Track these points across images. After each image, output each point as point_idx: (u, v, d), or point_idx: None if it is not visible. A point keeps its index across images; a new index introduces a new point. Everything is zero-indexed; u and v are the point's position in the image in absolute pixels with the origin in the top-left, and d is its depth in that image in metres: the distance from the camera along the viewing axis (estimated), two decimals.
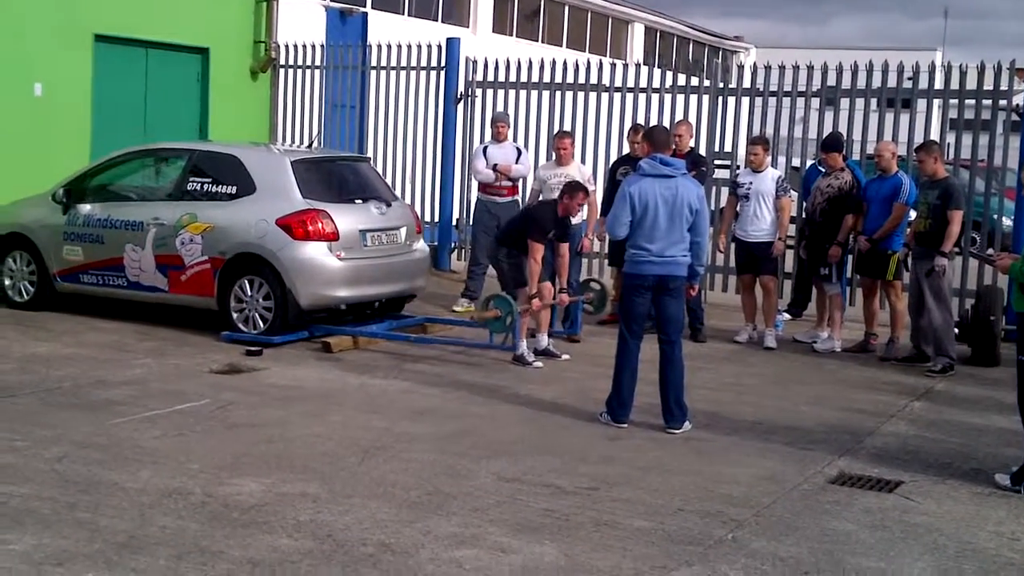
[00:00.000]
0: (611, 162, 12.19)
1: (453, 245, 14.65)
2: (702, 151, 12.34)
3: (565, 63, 14.00)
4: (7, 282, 10.99)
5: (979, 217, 12.14)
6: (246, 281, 9.83)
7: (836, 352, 10.44)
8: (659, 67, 13.68)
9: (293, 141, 15.63)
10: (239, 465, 6.31)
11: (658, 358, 7.59)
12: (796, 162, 13.52)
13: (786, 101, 12.48)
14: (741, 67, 13.49)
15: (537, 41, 26.35)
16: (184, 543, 5.12)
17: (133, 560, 4.90)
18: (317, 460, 6.48)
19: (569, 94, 13.80)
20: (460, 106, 14.50)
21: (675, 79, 13.46)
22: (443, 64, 14.56)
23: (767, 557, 5.28)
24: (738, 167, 12.15)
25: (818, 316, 10.99)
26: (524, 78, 14.06)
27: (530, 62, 14.08)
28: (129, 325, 10.29)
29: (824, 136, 11.34)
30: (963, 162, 13.75)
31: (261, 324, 9.78)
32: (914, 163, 10.66)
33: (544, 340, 9.78)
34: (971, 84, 11.61)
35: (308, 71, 15.71)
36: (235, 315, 9.86)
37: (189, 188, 10.29)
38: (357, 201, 10.37)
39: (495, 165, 11.88)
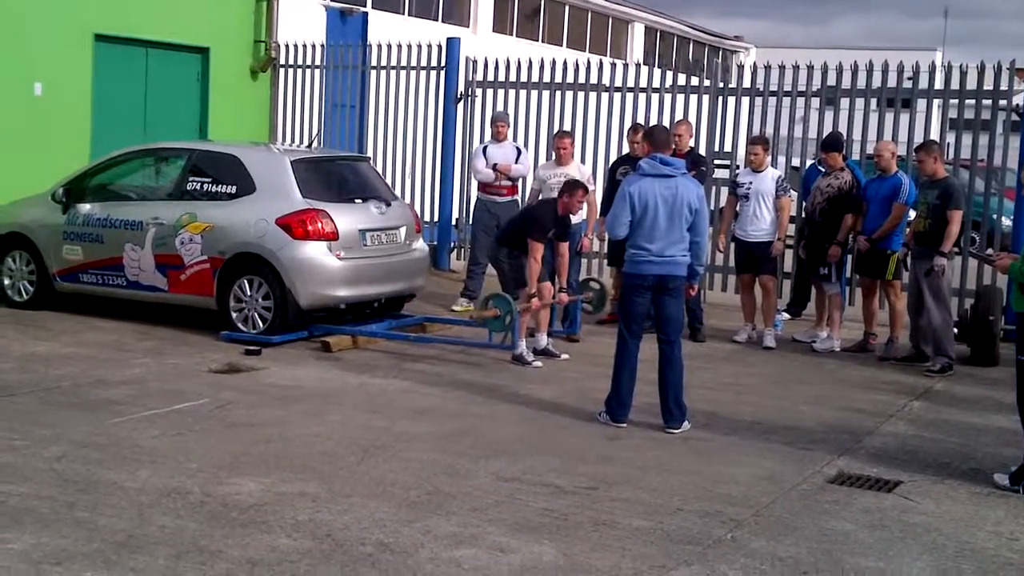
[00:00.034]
0: (611, 162, 12.19)
1: (453, 244, 14.65)
2: (702, 151, 12.34)
3: (565, 63, 14.00)
4: (7, 281, 10.99)
5: (979, 217, 12.14)
6: (245, 281, 9.82)
7: (835, 352, 10.44)
8: (659, 67, 13.68)
9: (293, 141, 15.64)
10: (238, 464, 6.31)
11: (657, 358, 7.59)
12: (796, 162, 13.52)
13: (786, 101, 12.48)
14: (741, 67, 13.49)
15: (537, 41, 26.36)
16: (183, 542, 5.12)
17: (132, 559, 4.91)
18: (316, 459, 6.48)
19: (569, 94, 13.80)
20: (460, 106, 14.51)
21: (675, 79, 13.46)
22: (443, 64, 14.57)
23: (766, 557, 5.28)
24: (738, 167, 12.16)
25: (817, 316, 10.99)
26: (524, 78, 14.06)
27: (530, 62, 14.08)
28: (128, 324, 10.29)
29: (824, 136, 11.35)
30: (963, 162, 13.75)
31: (260, 324, 9.78)
32: (914, 163, 10.66)
33: (543, 340, 9.78)
34: (971, 84, 11.61)
35: (308, 71, 15.71)
36: (234, 315, 9.86)
37: (189, 188, 10.29)
38: (357, 201, 10.37)
39: (495, 165, 11.88)
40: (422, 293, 11.23)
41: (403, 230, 10.57)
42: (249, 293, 9.82)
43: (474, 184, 12.72)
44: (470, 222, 13.03)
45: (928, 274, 9.63)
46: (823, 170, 10.80)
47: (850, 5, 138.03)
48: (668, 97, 13.14)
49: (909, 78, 12.07)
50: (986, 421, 8.14)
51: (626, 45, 30.74)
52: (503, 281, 9.75)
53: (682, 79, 13.43)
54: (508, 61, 14.20)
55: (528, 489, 6.10)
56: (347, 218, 9.98)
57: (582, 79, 13.74)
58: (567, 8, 28.06)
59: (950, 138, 11.76)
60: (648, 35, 31.82)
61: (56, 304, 10.79)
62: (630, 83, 13.41)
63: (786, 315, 11.56)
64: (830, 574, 5.14)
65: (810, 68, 12.43)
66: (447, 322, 11.00)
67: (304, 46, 15.77)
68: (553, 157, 11.62)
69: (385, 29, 17.86)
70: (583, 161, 12.67)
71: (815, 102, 12.38)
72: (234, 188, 10.05)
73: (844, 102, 12.26)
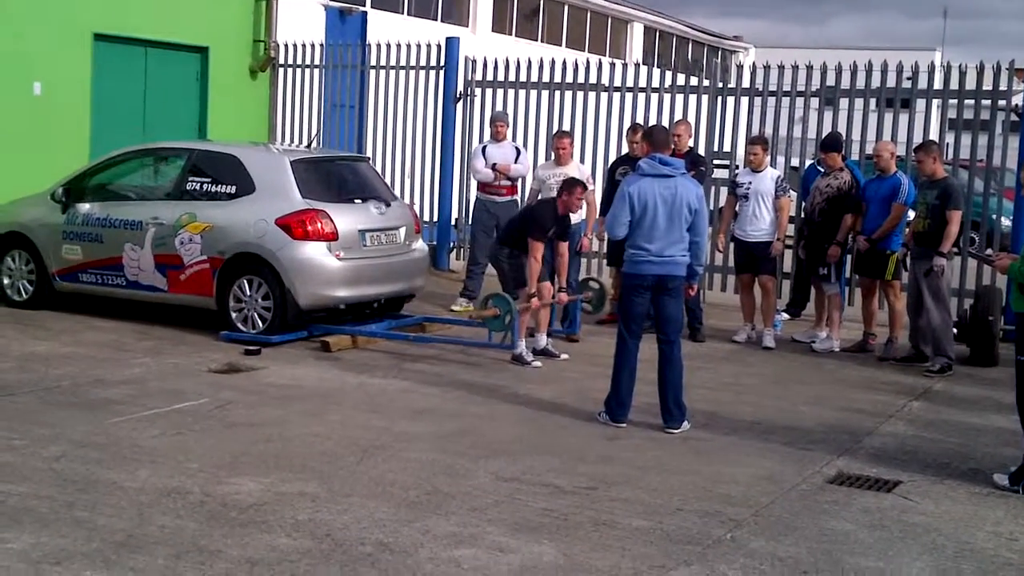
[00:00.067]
0: (610, 162, 12.19)
1: (452, 244, 14.65)
2: (701, 151, 12.33)
3: (564, 63, 14.00)
4: (6, 281, 10.98)
5: (978, 217, 12.15)
6: (245, 281, 9.82)
7: (835, 352, 10.44)
8: (658, 67, 13.68)
9: (292, 140, 15.64)
10: (237, 464, 6.31)
11: (657, 358, 7.59)
12: (795, 162, 13.53)
13: (785, 101, 12.48)
14: (740, 67, 13.49)
15: (536, 40, 26.37)
16: (182, 542, 5.11)
17: (131, 559, 4.90)
18: (316, 459, 6.48)
19: (568, 94, 13.80)
20: (459, 105, 14.50)
21: (674, 79, 13.45)
22: (442, 63, 14.56)
23: (765, 557, 5.28)
24: (737, 167, 12.17)
25: (817, 316, 11.00)
26: (523, 77, 14.06)
27: (529, 62, 14.08)
28: (128, 324, 10.29)
29: (823, 136, 11.35)
30: (962, 162, 13.76)
31: (260, 323, 9.78)
32: (913, 163, 10.66)
33: (543, 340, 9.78)
34: (970, 84, 11.61)
35: (307, 70, 15.71)
36: (234, 315, 9.85)
37: (188, 188, 10.29)
38: (356, 201, 10.37)
39: (494, 164, 11.88)
40: (421, 293, 11.23)
41: (403, 230, 10.57)
42: (249, 293, 9.81)
43: (473, 184, 12.72)
44: (469, 222, 13.03)
45: (927, 274, 9.63)
46: (822, 170, 10.80)
47: (849, 5, 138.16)
48: (667, 97, 13.14)
49: (908, 78, 12.07)
50: (985, 421, 8.14)
51: (625, 45, 30.76)
52: (503, 281, 9.75)
53: (681, 79, 13.43)
54: (507, 61, 14.20)
55: (528, 489, 6.10)
56: (347, 218, 9.98)
57: (581, 79, 13.74)
58: (566, 8, 28.07)
59: (949, 138, 11.77)
60: (647, 35, 31.83)
61: (55, 304, 10.79)
62: (629, 83, 13.41)
63: (785, 315, 11.56)
64: (830, 574, 5.14)
65: (809, 68, 12.43)
66: (446, 322, 11.01)
67: (303, 46, 15.76)
68: (552, 157, 11.62)
69: (384, 29, 17.86)
70: (582, 161, 12.67)
71: (814, 102, 12.37)
72: (234, 188, 10.05)
73: (843, 102, 12.26)
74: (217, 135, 15.02)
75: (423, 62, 14.66)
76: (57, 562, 4.84)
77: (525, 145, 13.24)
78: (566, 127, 13.08)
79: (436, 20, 22.46)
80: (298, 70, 15.77)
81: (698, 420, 7.66)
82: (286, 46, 15.92)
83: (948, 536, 5.68)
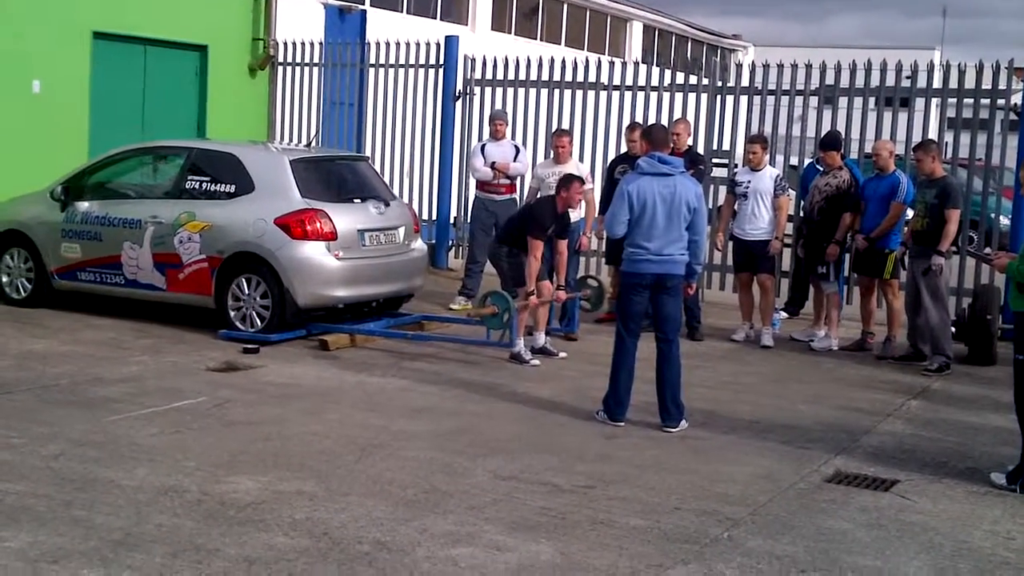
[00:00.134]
0: (609, 160, 12.19)
1: (451, 243, 14.65)
2: (700, 150, 12.33)
3: (564, 61, 14.00)
4: (4, 279, 10.98)
5: (977, 216, 12.14)
6: (243, 279, 9.82)
7: (833, 351, 10.44)
8: (657, 65, 13.67)
9: (291, 139, 15.64)
10: (236, 463, 6.32)
11: (655, 356, 7.59)
12: (794, 161, 13.53)
13: (784, 100, 12.49)
14: (739, 65, 13.50)
15: (536, 39, 26.38)
16: (180, 541, 5.12)
17: (129, 558, 4.91)
18: (314, 458, 6.48)
19: (567, 92, 13.80)
20: (458, 104, 14.51)
21: (673, 77, 13.45)
22: (442, 62, 14.57)
23: (763, 555, 5.28)
24: (736, 166, 12.17)
25: (815, 315, 11.00)
26: (522, 76, 14.06)
27: (528, 60, 14.09)
28: (126, 323, 10.29)
29: (822, 135, 11.35)
30: (961, 161, 13.76)
31: (258, 322, 9.77)
32: (912, 162, 10.66)
33: (541, 338, 9.78)
34: (969, 83, 11.62)
35: (307, 68, 15.71)
36: (232, 313, 9.85)
37: (187, 186, 10.28)
38: (356, 201, 10.36)
39: (493, 163, 11.88)
40: (420, 292, 11.22)
41: (402, 230, 10.56)
42: (247, 292, 9.81)
43: (472, 182, 12.72)
44: (468, 220, 13.03)
45: (926, 273, 9.63)
46: (821, 169, 10.80)
47: (848, 3, 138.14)
48: (666, 96, 13.14)
49: (907, 77, 12.07)
50: (983, 420, 8.14)
51: (624, 43, 30.76)
52: (502, 279, 9.75)
53: (680, 78, 13.43)
54: (506, 59, 14.20)
55: (525, 488, 6.10)
56: (346, 218, 9.98)
57: (580, 77, 13.74)
58: (565, 6, 28.07)
59: (948, 137, 11.77)
60: (646, 33, 31.83)
61: (54, 302, 10.79)
62: (628, 81, 13.41)
63: (784, 314, 11.56)
64: (827, 573, 5.14)
65: (808, 67, 12.42)
66: (445, 320, 11.01)
67: (302, 44, 15.77)
68: (551, 155, 11.62)
69: (384, 27, 17.86)
70: (581, 159, 12.67)
71: (813, 101, 12.38)
72: (233, 187, 10.04)
73: (842, 101, 12.26)
74: (216, 133, 15.02)
75: (422, 60, 14.66)
76: (55, 560, 4.85)
77: (524, 143, 13.25)
78: (565, 125, 13.08)
79: (435, 18, 22.46)
80: (297, 68, 15.78)
81: (696, 419, 7.66)
82: (285, 44, 15.93)
83: (945, 535, 5.69)
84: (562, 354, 9.77)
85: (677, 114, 12.69)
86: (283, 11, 16.34)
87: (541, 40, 26.45)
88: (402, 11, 21.41)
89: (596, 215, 11.12)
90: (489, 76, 14.31)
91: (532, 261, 9.37)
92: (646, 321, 7.69)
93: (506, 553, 5.16)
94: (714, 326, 11.13)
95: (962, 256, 11.39)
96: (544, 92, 13.93)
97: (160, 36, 14.82)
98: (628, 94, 13.35)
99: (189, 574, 4.78)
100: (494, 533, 5.39)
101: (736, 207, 10.80)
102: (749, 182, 10.59)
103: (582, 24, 28.88)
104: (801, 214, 11.36)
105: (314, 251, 9.70)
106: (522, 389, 8.52)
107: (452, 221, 14.66)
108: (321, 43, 15.84)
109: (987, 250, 11.36)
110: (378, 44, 15.09)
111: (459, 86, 14.51)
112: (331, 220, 9.79)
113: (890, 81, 11.98)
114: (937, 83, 12.17)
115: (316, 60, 15.64)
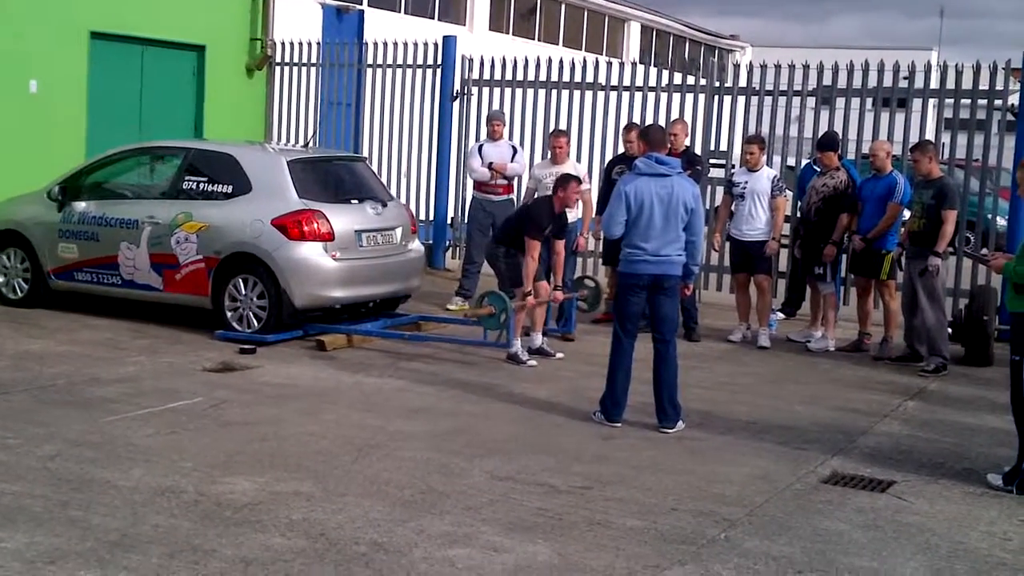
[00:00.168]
0: (606, 161, 12.19)
1: (448, 243, 14.66)
2: (697, 150, 12.35)
3: (561, 61, 14.01)
4: (1, 279, 10.97)
5: (973, 217, 12.16)
6: (240, 280, 9.81)
7: (830, 351, 10.45)
8: (655, 66, 13.69)
9: (289, 139, 15.63)
10: (232, 463, 6.31)
11: (652, 357, 7.59)
12: (791, 161, 13.53)
13: (782, 100, 12.49)
14: (737, 66, 13.51)
15: (533, 39, 26.38)
16: (176, 541, 5.11)
17: (125, 558, 4.90)
18: (311, 458, 6.48)
19: (565, 92, 13.81)
20: (456, 104, 14.51)
21: (671, 78, 13.46)
22: (439, 62, 14.57)
23: (760, 556, 5.29)
24: (733, 166, 12.17)
25: (812, 315, 11.00)
26: (520, 76, 14.07)
27: (526, 60, 14.09)
28: (123, 323, 10.28)
29: (819, 135, 11.35)
30: (958, 162, 13.76)
31: (255, 323, 9.77)
32: (909, 163, 10.66)
33: (538, 339, 9.78)
34: (967, 84, 11.64)
35: (304, 68, 15.72)
36: (229, 314, 9.84)
37: (185, 187, 10.27)
38: (353, 201, 10.36)
39: (490, 163, 11.88)
40: (417, 293, 11.22)
41: (399, 231, 10.56)
42: (244, 292, 9.80)
43: (470, 183, 12.72)
44: (465, 221, 13.03)
45: (923, 274, 9.63)
46: (818, 169, 10.81)
47: (846, 4, 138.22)
48: (664, 96, 13.15)
49: (905, 78, 12.08)
50: (980, 421, 8.15)
51: (622, 44, 30.77)
52: (500, 280, 9.75)
53: (678, 78, 13.44)
54: (504, 59, 14.20)
55: (522, 488, 6.10)
56: (343, 219, 9.97)
57: (578, 78, 13.75)
58: (563, 7, 28.07)
59: (945, 138, 11.77)
60: (644, 34, 31.84)
61: (50, 302, 10.78)
62: (626, 82, 13.42)
63: (781, 315, 11.57)
64: (823, 574, 5.15)
65: (806, 67, 12.43)
66: (442, 321, 11.00)
67: (300, 44, 15.77)
68: (548, 156, 11.62)
69: (381, 27, 17.87)
70: (578, 160, 12.67)
71: (811, 101, 12.38)
72: (230, 188, 10.03)
73: (840, 101, 12.27)
74: (213, 133, 15.02)
75: (420, 60, 14.67)
76: (51, 561, 4.84)
77: (521, 144, 13.25)
78: (562, 126, 13.09)
79: (433, 19, 22.46)
80: (295, 68, 15.78)
81: (693, 419, 7.66)
82: (283, 44, 15.93)
83: (942, 536, 5.69)
84: (559, 355, 9.77)
85: (674, 114, 12.70)
86: (280, 11, 16.34)
87: (539, 40, 26.46)
88: (400, 11, 21.41)
89: (593, 215, 11.12)
90: (487, 76, 14.32)
91: (529, 261, 9.37)
92: (643, 322, 7.69)
93: (503, 554, 5.16)
94: (711, 327, 11.13)
95: (959, 257, 11.40)
96: (542, 92, 13.94)
97: (158, 36, 14.81)
98: (625, 94, 13.36)
99: (186, 575, 4.78)
100: (491, 534, 5.39)
101: (733, 208, 10.80)
102: (746, 183, 10.59)
103: (580, 24, 28.89)
104: (798, 215, 11.37)
105: (311, 252, 9.69)
106: (519, 389, 8.51)
107: (449, 221, 14.66)
108: (319, 43, 15.84)
109: (984, 251, 11.36)
110: (376, 44, 15.09)
111: (457, 86, 14.51)
112: (328, 221, 9.78)
113: (887, 82, 11.99)
114: (934, 84, 12.17)
115: (314, 60, 15.64)
